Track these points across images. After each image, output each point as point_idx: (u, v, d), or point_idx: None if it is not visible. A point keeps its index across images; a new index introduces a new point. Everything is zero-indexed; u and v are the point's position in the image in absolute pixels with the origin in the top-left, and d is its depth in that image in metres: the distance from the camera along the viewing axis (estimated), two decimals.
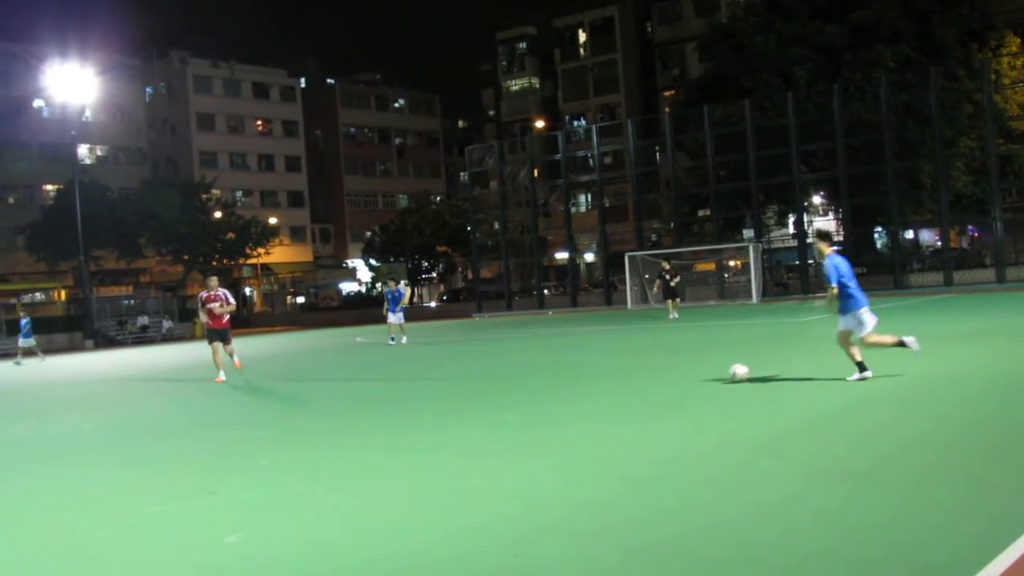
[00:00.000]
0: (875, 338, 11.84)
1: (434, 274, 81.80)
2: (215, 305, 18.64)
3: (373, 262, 79.36)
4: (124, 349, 48.46)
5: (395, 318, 29.42)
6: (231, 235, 72.48)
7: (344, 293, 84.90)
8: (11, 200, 72.28)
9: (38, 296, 67.53)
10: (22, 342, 38.46)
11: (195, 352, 36.16)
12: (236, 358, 19.26)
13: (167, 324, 60.19)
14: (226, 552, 6.11)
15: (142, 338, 57.83)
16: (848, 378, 11.81)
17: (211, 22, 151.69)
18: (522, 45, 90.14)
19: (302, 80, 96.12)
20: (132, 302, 64.75)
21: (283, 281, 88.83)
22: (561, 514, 6.38)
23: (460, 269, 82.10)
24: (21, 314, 42.20)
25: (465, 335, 34.14)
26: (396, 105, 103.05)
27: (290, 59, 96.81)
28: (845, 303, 11.77)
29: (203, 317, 19.04)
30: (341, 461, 9.24)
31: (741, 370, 12.29)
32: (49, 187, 70.68)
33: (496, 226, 59.90)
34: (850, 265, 12.13)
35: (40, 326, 56.42)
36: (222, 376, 18.83)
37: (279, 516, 7.02)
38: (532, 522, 6.23)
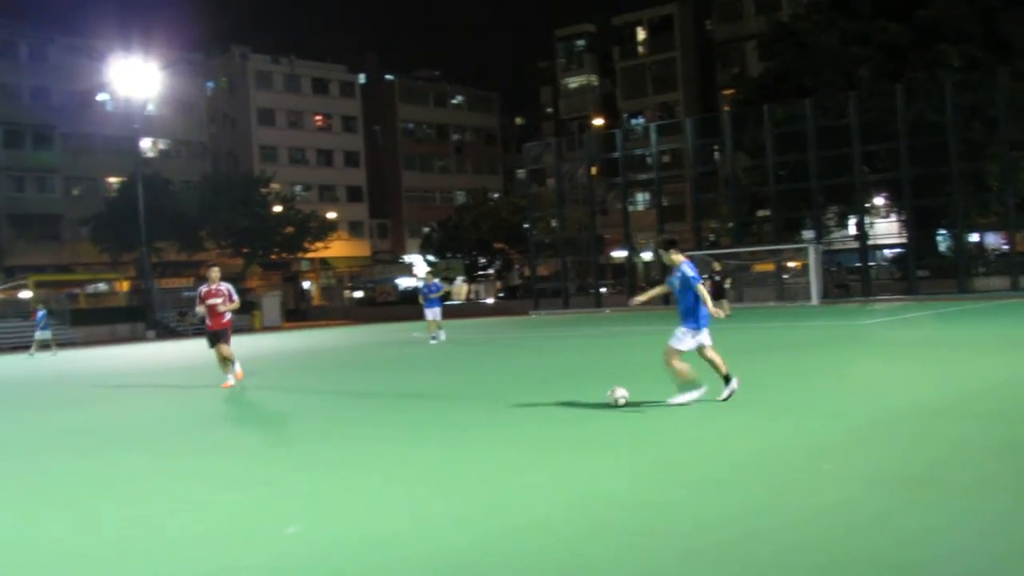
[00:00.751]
0: (679, 364, 10.88)
1: (491, 271, 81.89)
2: (217, 301, 16.70)
3: (431, 258, 79.60)
4: (184, 340, 49.02)
5: (432, 314, 28.26)
6: (290, 229, 73.07)
7: (401, 288, 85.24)
8: (76, 192, 73.32)
9: (101, 287, 68.47)
10: (39, 335, 38.93)
11: (252, 344, 36.57)
12: (238, 368, 17.19)
13: (242, 311, 60.79)
14: (286, 543, 6.14)
15: (202, 329, 58.36)
16: (669, 400, 11.07)
17: (272, 18, 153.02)
18: (581, 43, 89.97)
19: (361, 76, 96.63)
20: (193, 293, 65.37)
21: (341, 276, 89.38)
22: (620, 514, 6.35)
23: (517, 266, 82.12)
24: (38, 307, 42.73)
25: (522, 332, 34.14)
26: (454, 102, 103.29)
27: (350, 55, 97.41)
28: (687, 315, 10.90)
29: (200, 311, 16.93)
30: (399, 454, 9.25)
31: (620, 392, 11.13)
32: (113, 179, 71.66)
33: (553, 224, 59.85)
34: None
35: (103, 316, 57.57)
36: (231, 380, 17.03)
37: (338, 508, 7.05)
38: (591, 521, 6.20)
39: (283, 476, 8.51)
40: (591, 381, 15.17)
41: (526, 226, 63.00)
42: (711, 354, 11.06)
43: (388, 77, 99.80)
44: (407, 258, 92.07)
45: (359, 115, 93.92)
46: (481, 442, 9.74)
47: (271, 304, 66.14)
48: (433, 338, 27.98)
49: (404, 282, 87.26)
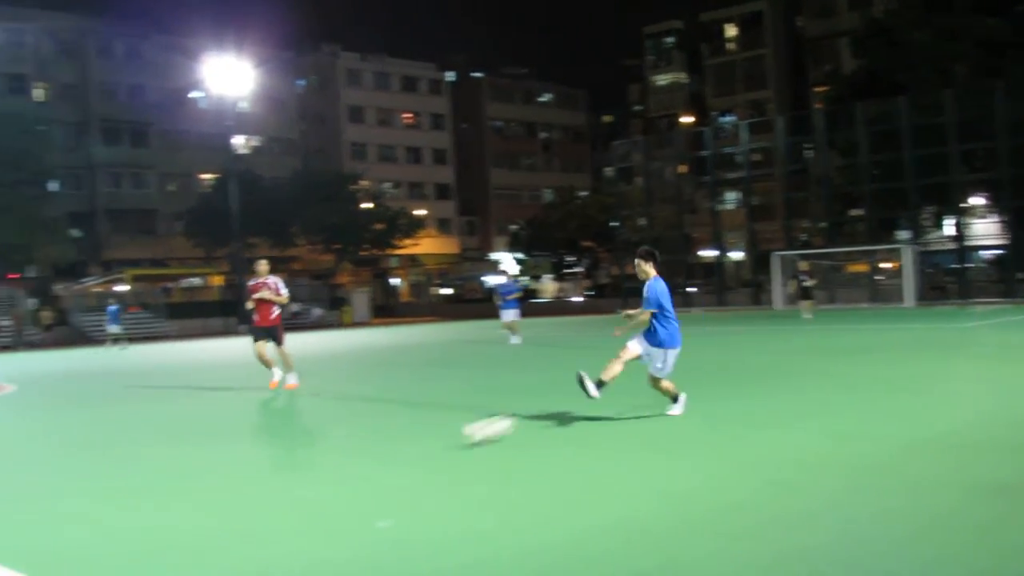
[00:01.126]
0: (668, 384, 10.68)
1: (579, 269, 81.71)
2: (265, 293, 15.99)
3: (519, 255, 79.64)
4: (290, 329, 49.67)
5: (509, 314, 27.06)
6: (379, 226, 73.64)
7: (488, 286, 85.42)
8: (170, 188, 74.81)
9: (195, 281, 69.71)
10: (113, 328, 39.86)
11: (342, 339, 36.93)
12: (287, 376, 16.16)
13: (317, 311, 61.43)
14: (378, 537, 6.22)
15: (293, 324, 59.07)
16: (668, 411, 10.72)
17: (362, 16, 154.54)
18: (669, 40, 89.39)
19: (450, 74, 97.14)
20: (301, 284, 66.04)
21: (429, 272, 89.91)
22: (707, 514, 6.34)
23: (604, 265, 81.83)
24: (111, 301, 43.64)
25: (609, 331, 33.88)
26: (542, 99, 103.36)
27: (439, 53, 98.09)
28: (658, 336, 10.48)
29: (250, 306, 16.20)
30: (487, 452, 9.25)
31: (491, 428, 9.24)
32: (206, 176, 72.97)
33: (641, 222, 59.50)
34: (671, 294, 10.75)
35: (196, 310, 58.60)
36: (276, 377, 16.17)
37: (429, 504, 7.12)
38: (678, 521, 6.21)
39: (372, 471, 8.63)
40: (679, 382, 14.97)
41: (614, 224, 62.73)
42: (652, 380, 10.78)
43: (476, 75, 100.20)
44: (495, 255, 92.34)
45: (447, 113, 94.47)
46: (567, 440, 9.72)
47: (360, 300, 66.73)
48: (513, 337, 26.99)
49: (492, 280, 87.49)
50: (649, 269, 10.62)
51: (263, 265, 16.51)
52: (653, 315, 10.48)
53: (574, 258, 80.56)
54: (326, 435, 11.40)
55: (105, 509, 7.55)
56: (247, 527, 6.68)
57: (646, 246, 11.20)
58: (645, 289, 10.53)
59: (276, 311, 16.19)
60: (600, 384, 10.54)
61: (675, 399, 10.75)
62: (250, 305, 16.18)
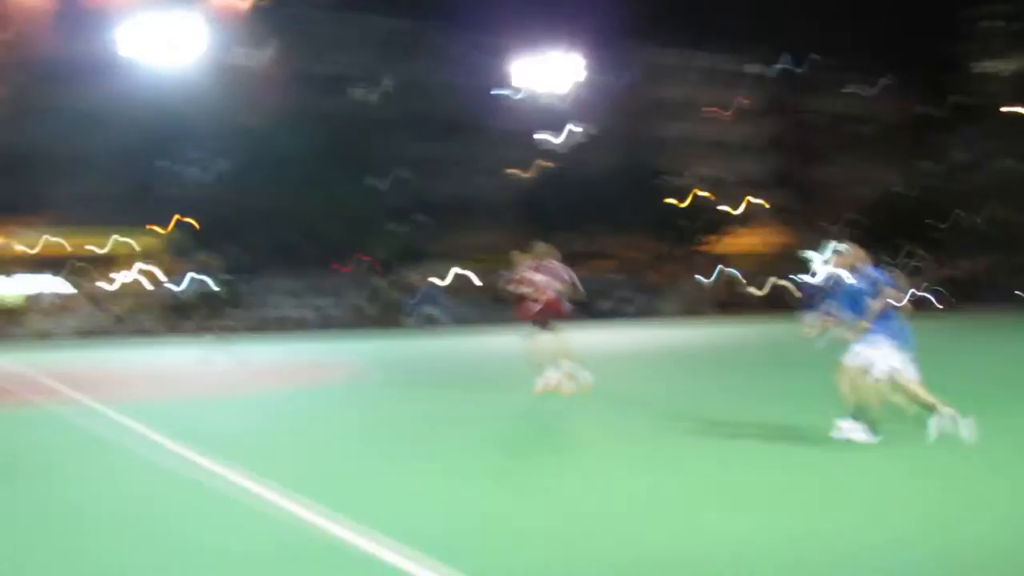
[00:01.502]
0: (873, 390, 9.23)
1: (916, 264, 78.09)
2: (524, 288, 14.58)
3: (843, 247, 77.28)
4: (604, 326, 50.54)
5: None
6: (696, 222, 73.42)
7: (811, 284, 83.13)
8: (490, 181, 76.56)
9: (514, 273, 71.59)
10: (431, 309, 41.53)
11: (666, 335, 37.53)
12: (565, 374, 14.51)
13: (638, 305, 62.08)
14: (702, 530, 6.53)
15: (611, 316, 59.71)
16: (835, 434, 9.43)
17: (675, 10, 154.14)
18: (998, 23, 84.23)
19: (768, 66, 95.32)
20: (613, 279, 66.97)
21: (750, 270, 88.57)
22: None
23: (934, 263, 78.00)
24: (422, 287, 45.54)
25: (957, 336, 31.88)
26: (863, 91, 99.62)
27: (757, 46, 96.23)
28: (875, 330, 9.30)
29: (512, 288, 14.95)
30: (813, 453, 9.33)
31: None
32: (522, 171, 74.61)
33: (974, 219, 56.57)
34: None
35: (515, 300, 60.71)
36: (549, 380, 14.50)
37: (756, 501, 7.40)
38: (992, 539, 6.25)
39: (703, 465, 9.02)
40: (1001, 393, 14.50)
41: (943, 222, 59.86)
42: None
43: (794, 68, 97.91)
44: (817, 254, 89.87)
45: (767, 107, 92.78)
46: (883, 447, 9.39)
47: (679, 295, 66.93)
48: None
49: (815, 279, 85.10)
50: (855, 255, 10.16)
51: (521, 256, 15.02)
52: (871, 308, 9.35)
53: (905, 254, 77.18)
54: (662, 429, 11.45)
55: (470, 491, 8.16)
56: (575, 516, 7.06)
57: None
58: (859, 278, 9.81)
59: (561, 303, 14.61)
60: (866, 425, 9.47)
61: (858, 424, 9.42)
62: (512, 288, 14.94)
